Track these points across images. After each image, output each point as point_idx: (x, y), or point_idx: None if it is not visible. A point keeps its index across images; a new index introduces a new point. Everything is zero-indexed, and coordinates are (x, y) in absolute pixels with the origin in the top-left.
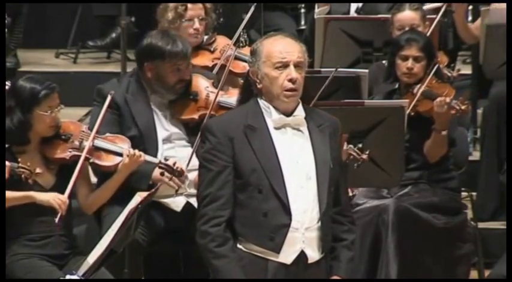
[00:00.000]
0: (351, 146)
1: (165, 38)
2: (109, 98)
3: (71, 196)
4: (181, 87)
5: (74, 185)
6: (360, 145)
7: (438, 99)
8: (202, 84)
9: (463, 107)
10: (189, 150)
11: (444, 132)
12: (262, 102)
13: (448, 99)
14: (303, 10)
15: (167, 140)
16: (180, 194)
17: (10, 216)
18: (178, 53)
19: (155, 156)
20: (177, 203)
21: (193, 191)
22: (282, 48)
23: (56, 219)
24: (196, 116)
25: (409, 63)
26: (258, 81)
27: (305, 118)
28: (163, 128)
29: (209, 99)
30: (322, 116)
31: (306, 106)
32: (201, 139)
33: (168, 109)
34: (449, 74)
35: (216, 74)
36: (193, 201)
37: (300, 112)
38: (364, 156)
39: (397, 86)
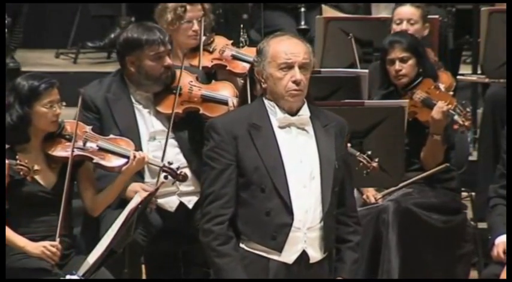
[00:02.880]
0: (360, 153)
1: (140, 28)
2: (80, 98)
3: (71, 196)
4: (168, 77)
5: (68, 187)
6: (370, 152)
7: (438, 104)
8: (186, 79)
9: (466, 123)
10: (177, 149)
11: (437, 137)
12: (267, 102)
13: (445, 108)
14: (303, 9)
15: (152, 137)
16: (173, 194)
17: (12, 217)
18: (156, 40)
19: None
20: (170, 203)
21: (186, 188)
22: (287, 49)
23: (54, 271)
24: (180, 110)
25: (397, 65)
26: (263, 80)
27: (310, 118)
28: (147, 126)
29: (192, 93)
30: (328, 117)
31: (312, 106)
32: (205, 137)
33: (153, 104)
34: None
35: (203, 71)
36: (187, 201)
37: (305, 111)
38: (374, 164)
39: (393, 89)
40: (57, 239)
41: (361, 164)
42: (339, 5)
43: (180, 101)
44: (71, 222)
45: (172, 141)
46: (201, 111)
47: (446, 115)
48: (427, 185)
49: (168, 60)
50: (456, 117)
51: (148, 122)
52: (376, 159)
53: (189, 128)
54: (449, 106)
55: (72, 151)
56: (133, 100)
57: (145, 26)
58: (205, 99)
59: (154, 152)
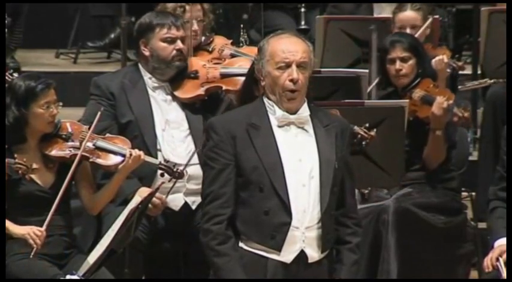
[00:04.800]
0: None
1: (154, 13)
2: (98, 114)
3: (69, 196)
4: (181, 61)
5: (67, 187)
6: (367, 125)
7: (438, 99)
8: (199, 63)
9: (465, 115)
10: (189, 143)
11: (438, 132)
12: (266, 101)
13: (445, 103)
14: (303, 9)
15: (166, 126)
16: (180, 191)
17: (10, 216)
18: (167, 22)
19: (153, 142)
20: (175, 202)
21: (193, 186)
22: (285, 48)
23: (31, 254)
24: (202, 92)
25: (397, 64)
26: (262, 78)
27: (311, 117)
28: (163, 114)
29: (210, 74)
30: (329, 117)
31: (314, 106)
32: (205, 137)
33: (169, 94)
34: (454, 65)
35: None
36: (191, 202)
37: (304, 111)
38: (373, 133)
39: (392, 90)
40: (44, 226)
41: (359, 135)
42: (338, 5)
43: (200, 83)
44: (70, 222)
45: (185, 134)
46: (224, 88)
47: (446, 110)
48: (427, 185)
49: (180, 45)
50: (455, 109)
51: (164, 111)
52: (375, 129)
53: (205, 118)
54: (450, 102)
55: (81, 154)
56: (148, 88)
57: (160, 12)
58: (225, 76)
59: (168, 144)
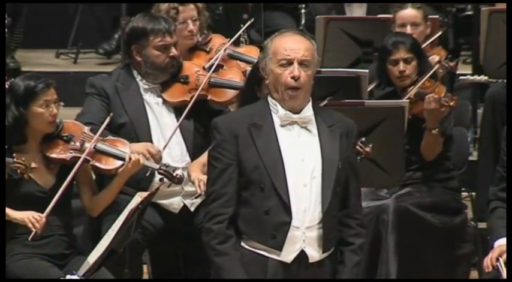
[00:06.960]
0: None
1: (146, 18)
2: (108, 119)
3: (70, 197)
4: (174, 67)
5: (67, 188)
6: (363, 139)
7: (427, 95)
8: (192, 68)
9: (451, 103)
10: (182, 146)
11: (435, 131)
12: (270, 100)
13: (436, 96)
14: (303, 10)
15: (159, 129)
16: (178, 194)
17: None
18: (161, 29)
19: (149, 142)
20: (174, 205)
21: (190, 188)
22: (287, 46)
23: (29, 237)
24: (188, 98)
25: (401, 66)
26: (266, 77)
27: (315, 117)
28: (156, 116)
29: (200, 81)
30: (334, 117)
31: (319, 107)
32: (210, 137)
33: (160, 96)
34: (446, 66)
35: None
36: (190, 204)
37: (308, 110)
38: (368, 149)
39: (392, 90)
40: (45, 214)
41: (354, 149)
42: (313, 5)
43: (188, 89)
44: (71, 222)
45: (179, 140)
46: (209, 98)
47: (437, 103)
48: (427, 185)
49: (174, 51)
50: (442, 100)
51: (157, 114)
52: (370, 145)
53: (195, 120)
54: (441, 95)
55: (84, 159)
56: (141, 91)
57: (152, 15)
58: (212, 85)
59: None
